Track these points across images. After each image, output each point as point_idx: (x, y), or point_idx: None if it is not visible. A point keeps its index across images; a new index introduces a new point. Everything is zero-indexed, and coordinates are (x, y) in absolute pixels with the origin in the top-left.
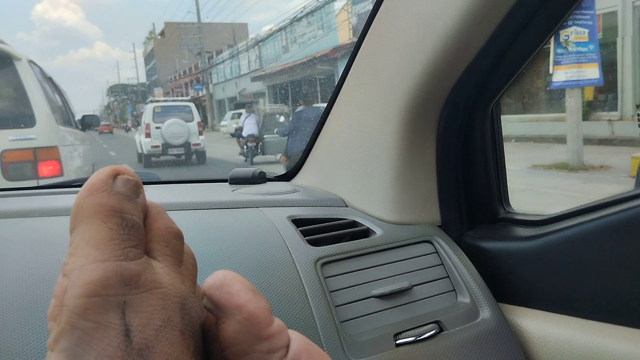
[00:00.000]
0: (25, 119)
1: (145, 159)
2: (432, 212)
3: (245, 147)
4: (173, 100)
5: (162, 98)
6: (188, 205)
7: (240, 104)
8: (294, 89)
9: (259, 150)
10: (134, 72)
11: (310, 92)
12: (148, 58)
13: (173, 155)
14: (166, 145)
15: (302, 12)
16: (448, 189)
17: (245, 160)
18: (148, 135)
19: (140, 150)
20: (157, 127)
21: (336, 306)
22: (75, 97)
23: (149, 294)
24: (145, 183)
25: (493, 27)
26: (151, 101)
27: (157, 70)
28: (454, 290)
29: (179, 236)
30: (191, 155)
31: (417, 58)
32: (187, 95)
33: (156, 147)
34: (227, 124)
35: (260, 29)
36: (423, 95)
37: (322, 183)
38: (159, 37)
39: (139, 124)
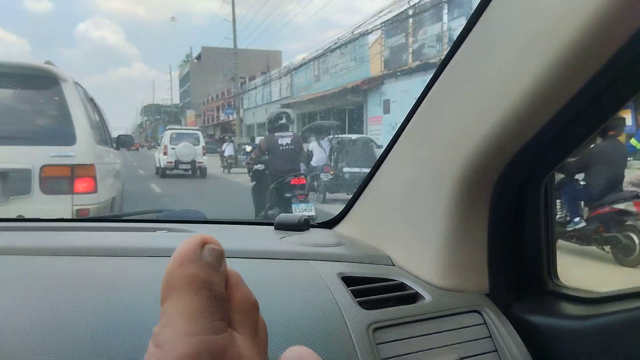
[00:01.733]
0: (66, 137)
1: (162, 171)
2: (481, 279)
3: (314, 180)
4: (185, 129)
5: (177, 126)
6: (237, 253)
7: (317, 128)
8: (322, 118)
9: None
10: (168, 94)
11: (341, 122)
12: (183, 80)
13: (182, 169)
14: (178, 162)
15: (336, 43)
16: (497, 257)
17: (312, 193)
18: (165, 153)
19: (158, 165)
20: (172, 148)
21: None
22: (110, 114)
23: None
24: (191, 222)
25: (557, 109)
26: (170, 128)
27: (191, 93)
28: None
29: (256, 307)
30: (196, 171)
31: (475, 131)
32: (218, 118)
33: (170, 162)
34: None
35: (294, 57)
36: (479, 165)
37: (366, 236)
38: (195, 60)
39: (158, 144)
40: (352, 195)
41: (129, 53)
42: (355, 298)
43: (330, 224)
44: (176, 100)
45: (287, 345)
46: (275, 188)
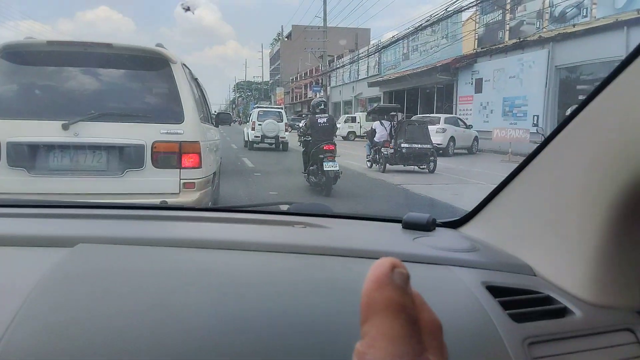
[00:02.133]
0: (175, 116)
1: (250, 144)
2: (633, 296)
3: (376, 152)
4: (271, 107)
5: (264, 105)
6: (369, 254)
7: (383, 109)
8: (410, 96)
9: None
10: (259, 71)
11: (428, 101)
12: (273, 58)
13: (266, 143)
14: (264, 136)
15: (428, 20)
16: None
17: (370, 167)
18: (253, 129)
19: (246, 139)
20: (259, 124)
21: None
22: (207, 91)
23: None
24: (317, 215)
25: None
26: (257, 106)
27: (281, 71)
28: None
29: (441, 328)
30: (279, 145)
31: None
32: (305, 96)
33: (257, 137)
34: (341, 127)
35: (382, 35)
36: None
37: (500, 241)
38: (286, 39)
39: (247, 120)
40: (484, 197)
41: (224, 31)
42: (504, 310)
43: (456, 224)
44: (266, 77)
45: None
46: (315, 152)
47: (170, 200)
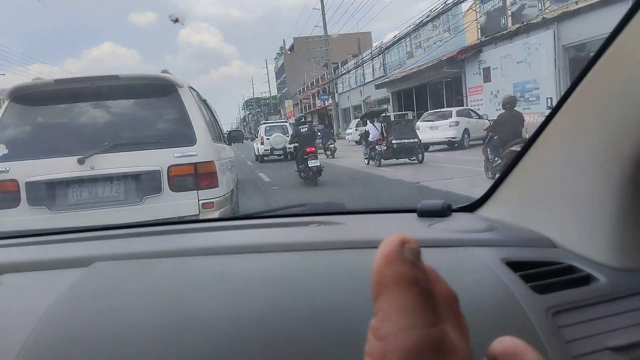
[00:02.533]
0: (187, 138)
1: (260, 158)
2: None
3: (371, 150)
4: (276, 122)
5: (270, 121)
6: None
7: (373, 113)
8: (418, 94)
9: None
10: (266, 87)
11: (437, 96)
12: (279, 72)
13: (275, 155)
14: (272, 149)
15: (428, 15)
16: None
17: (368, 164)
18: (262, 143)
19: (257, 153)
20: (267, 138)
21: (574, 357)
22: (217, 112)
23: (451, 357)
24: (332, 213)
25: None
26: (263, 122)
27: (287, 83)
28: None
29: (457, 299)
30: (287, 155)
31: None
32: (314, 105)
33: (267, 150)
34: (352, 132)
35: (383, 36)
36: None
37: (517, 219)
38: (289, 52)
39: (256, 136)
40: (496, 178)
41: (227, 52)
42: (526, 283)
43: (471, 207)
44: (274, 92)
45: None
46: (301, 154)
47: None
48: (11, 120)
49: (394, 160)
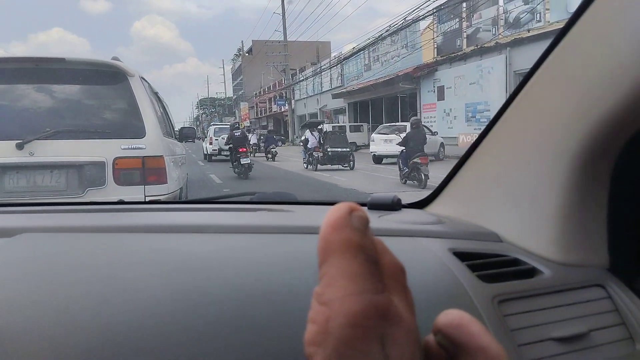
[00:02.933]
0: (136, 130)
1: (208, 157)
2: (601, 254)
3: (310, 156)
4: (224, 124)
5: (218, 123)
6: None
7: (312, 123)
8: (374, 106)
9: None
10: (222, 87)
11: (392, 110)
12: (235, 74)
13: (223, 155)
14: (220, 150)
15: (387, 30)
16: (618, 231)
17: (307, 168)
18: (211, 143)
19: (205, 152)
20: (215, 139)
21: (519, 345)
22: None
23: (397, 327)
24: (281, 202)
25: None
26: (213, 124)
27: (244, 86)
28: (631, 337)
29: (404, 271)
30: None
31: (597, 105)
32: (270, 110)
33: (215, 150)
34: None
35: (342, 47)
36: (600, 138)
37: (465, 215)
38: (247, 54)
39: (205, 136)
40: (445, 176)
41: (183, 49)
42: (472, 272)
43: (421, 204)
44: (230, 93)
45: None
46: (235, 153)
47: None
48: None
49: (329, 166)
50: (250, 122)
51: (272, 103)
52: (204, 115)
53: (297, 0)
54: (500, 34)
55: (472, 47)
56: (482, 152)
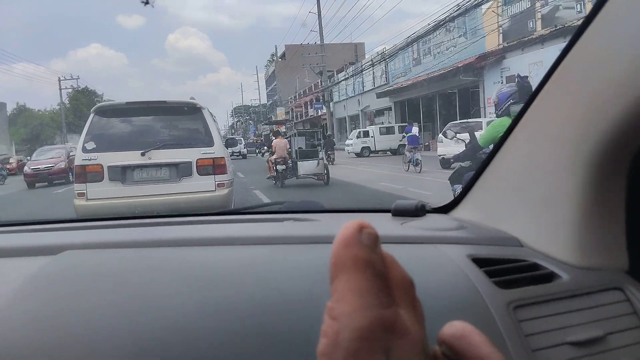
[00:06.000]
0: (208, 142)
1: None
2: (619, 257)
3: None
4: (234, 136)
5: (230, 135)
6: None
7: (303, 132)
8: (426, 103)
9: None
10: (255, 94)
11: (449, 107)
12: (269, 80)
13: (234, 155)
14: (232, 152)
15: (434, 22)
16: (637, 234)
17: (275, 184)
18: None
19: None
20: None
21: (533, 350)
22: None
23: (403, 340)
24: (311, 211)
25: None
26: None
27: (278, 91)
28: None
29: (412, 284)
30: (245, 156)
31: (613, 107)
32: (306, 114)
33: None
34: (353, 142)
35: (372, 50)
36: (616, 141)
37: (487, 219)
38: (280, 59)
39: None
40: (469, 180)
41: (216, 59)
42: (490, 278)
43: (446, 209)
44: (264, 99)
45: (428, 325)
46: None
47: (208, 195)
48: (95, 127)
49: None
50: (286, 127)
51: (309, 107)
52: (238, 123)
53: (328, 7)
54: (586, 9)
55: (550, 28)
56: (503, 157)
